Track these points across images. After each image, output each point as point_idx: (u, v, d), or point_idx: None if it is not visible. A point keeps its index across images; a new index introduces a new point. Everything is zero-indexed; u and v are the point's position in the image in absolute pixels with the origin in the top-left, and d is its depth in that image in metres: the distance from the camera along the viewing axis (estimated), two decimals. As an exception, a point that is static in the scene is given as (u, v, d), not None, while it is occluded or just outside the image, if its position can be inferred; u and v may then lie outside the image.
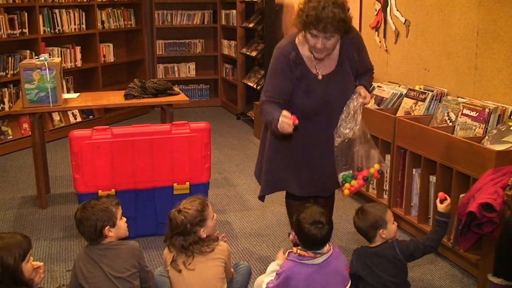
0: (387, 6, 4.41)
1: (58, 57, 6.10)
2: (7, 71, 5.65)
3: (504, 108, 3.20)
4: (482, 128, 3.21)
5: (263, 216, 4.04)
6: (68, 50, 6.48)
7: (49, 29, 6.15)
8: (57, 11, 6.23)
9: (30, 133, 4.46)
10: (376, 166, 2.86)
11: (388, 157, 3.83)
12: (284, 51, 2.78)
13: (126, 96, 4.29)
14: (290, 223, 3.15)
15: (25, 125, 5.85)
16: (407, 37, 4.20)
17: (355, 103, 2.79)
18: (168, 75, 8.08)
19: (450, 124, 3.46)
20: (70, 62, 6.51)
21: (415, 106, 3.79)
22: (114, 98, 4.41)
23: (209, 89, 8.41)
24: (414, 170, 3.59)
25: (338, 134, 2.81)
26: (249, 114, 6.97)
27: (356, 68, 2.88)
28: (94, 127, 3.44)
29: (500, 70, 3.31)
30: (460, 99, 3.52)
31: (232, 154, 5.69)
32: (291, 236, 2.59)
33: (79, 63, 6.63)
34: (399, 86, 4.21)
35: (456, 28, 3.66)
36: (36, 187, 4.25)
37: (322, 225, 2.38)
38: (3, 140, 5.69)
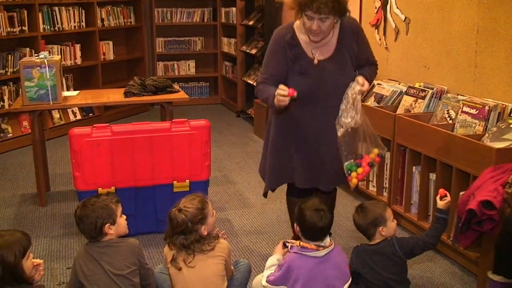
0: (387, 4, 4.41)
1: (57, 55, 6.10)
2: (6, 69, 5.64)
3: (504, 105, 3.20)
4: (482, 125, 3.21)
5: (263, 214, 4.05)
6: (68, 47, 6.48)
7: (48, 26, 6.15)
8: (56, 8, 6.23)
9: (30, 131, 4.45)
10: (375, 150, 2.83)
11: (388, 154, 3.83)
12: (280, 33, 2.86)
13: (126, 94, 4.29)
14: (291, 221, 3.16)
15: (25, 123, 5.85)
16: (407, 35, 4.19)
17: (353, 91, 2.76)
18: (168, 73, 8.08)
19: (450, 121, 3.46)
20: (70, 60, 6.50)
21: (415, 103, 3.78)
22: (114, 95, 4.41)
23: (209, 87, 8.41)
24: (414, 167, 3.59)
25: (340, 124, 2.79)
26: (249, 112, 6.97)
27: (355, 58, 2.88)
28: (94, 125, 3.43)
29: (500, 67, 3.31)
30: (460, 97, 3.52)
31: (232, 152, 5.69)
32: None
33: (78, 61, 6.62)
34: (399, 84, 4.20)
35: (456, 25, 3.66)
36: (36, 185, 4.25)
37: (324, 212, 2.44)
38: (3, 138, 5.69)
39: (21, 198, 4.39)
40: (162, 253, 2.61)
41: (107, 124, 3.47)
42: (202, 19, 8.12)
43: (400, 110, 3.88)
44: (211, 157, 3.67)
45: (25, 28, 5.79)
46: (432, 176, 3.42)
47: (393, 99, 4.05)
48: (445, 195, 2.59)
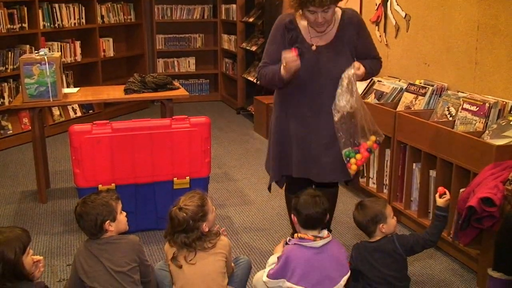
0: (387, 1, 4.40)
1: (57, 51, 6.10)
2: (6, 66, 5.64)
3: (504, 102, 3.20)
4: (482, 122, 3.21)
5: (263, 211, 4.05)
6: (68, 44, 6.48)
7: (48, 23, 6.14)
8: (56, 5, 6.22)
9: (30, 127, 4.45)
10: (372, 137, 2.81)
11: (388, 151, 3.84)
12: (281, 19, 2.94)
13: (126, 91, 4.28)
14: (289, 218, 3.16)
15: (25, 120, 5.85)
16: (407, 32, 4.19)
17: (348, 74, 2.74)
18: (168, 70, 8.07)
19: (450, 118, 3.45)
20: (70, 57, 6.50)
21: (415, 100, 3.78)
22: (114, 92, 4.41)
23: (209, 84, 8.41)
24: (414, 164, 3.59)
25: (336, 109, 2.78)
26: (249, 109, 6.97)
27: (355, 48, 2.89)
28: (94, 122, 3.43)
29: (501, 64, 3.30)
30: (460, 94, 3.52)
31: (232, 149, 5.69)
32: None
33: (79, 58, 6.62)
34: (399, 81, 4.20)
35: (456, 22, 3.65)
36: (36, 182, 4.26)
37: (319, 198, 2.51)
38: (3, 134, 5.69)
39: (21, 195, 4.39)
40: (163, 250, 2.61)
41: (107, 121, 3.47)
42: (202, 16, 8.11)
43: (400, 107, 3.88)
44: (211, 154, 3.67)
45: (25, 25, 5.79)
46: (432, 173, 3.42)
47: (393, 96, 4.05)
48: (444, 193, 2.59)
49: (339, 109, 2.76)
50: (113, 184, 3.38)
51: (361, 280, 2.59)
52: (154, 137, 3.43)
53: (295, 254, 2.44)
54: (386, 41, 4.47)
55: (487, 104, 3.21)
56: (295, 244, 2.48)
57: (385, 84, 4.19)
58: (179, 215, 2.43)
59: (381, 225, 2.56)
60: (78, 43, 6.60)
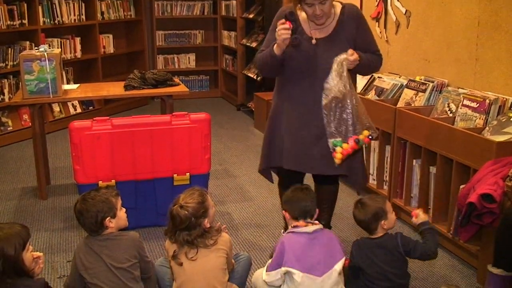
0: (387, -3, 4.40)
1: (57, 48, 6.08)
2: (6, 62, 5.63)
3: (504, 99, 3.19)
4: (482, 119, 3.21)
5: (263, 207, 4.05)
6: (68, 41, 6.46)
7: (48, 20, 6.13)
8: (56, 2, 6.21)
9: (30, 124, 4.45)
10: (365, 132, 2.76)
11: (388, 148, 3.83)
12: (281, 10, 2.97)
13: (126, 87, 4.28)
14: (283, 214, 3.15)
15: (25, 116, 5.85)
16: (407, 28, 4.18)
17: (339, 58, 2.71)
18: (168, 66, 8.06)
19: (451, 115, 3.45)
20: (70, 53, 6.49)
21: (416, 97, 3.78)
22: (114, 89, 4.40)
23: (209, 80, 8.40)
24: (414, 161, 3.59)
25: (325, 94, 2.74)
26: (249, 105, 6.96)
27: (354, 43, 2.89)
28: (94, 118, 3.43)
29: (501, 60, 3.30)
30: (460, 90, 3.52)
31: (232, 145, 5.69)
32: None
33: (78, 54, 6.61)
34: (399, 77, 4.20)
35: (457, 18, 3.64)
36: (36, 178, 4.26)
37: (307, 190, 2.63)
38: (3, 131, 5.69)
39: (21, 192, 4.39)
40: (163, 246, 2.61)
41: (107, 118, 3.47)
42: (202, 12, 8.10)
43: (400, 104, 3.88)
44: (211, 150, 3.66)
45: (25, 21, 5.78)
46: (433, 170, 3.42)
47: (393, 92, 4.04)
48: (418, 213, 2.64)
49: (327, 93, 2.73)
50: (113, 181, 3.38)
51: (361, 276, 2.59)
52: (154, 133, 3.43)
53: (289, 240, 2.49)
54: (387, 37, 4.46)
55: (487, 101, 3.21)
56: (288, 233, 2.54)
57: (385, 80, 4.18)
58: (180, 213, 2.42)
59: (382, 221, 2.56)
60: (78, 40, 6.59)
